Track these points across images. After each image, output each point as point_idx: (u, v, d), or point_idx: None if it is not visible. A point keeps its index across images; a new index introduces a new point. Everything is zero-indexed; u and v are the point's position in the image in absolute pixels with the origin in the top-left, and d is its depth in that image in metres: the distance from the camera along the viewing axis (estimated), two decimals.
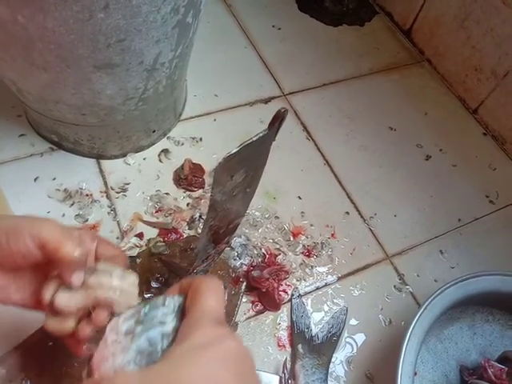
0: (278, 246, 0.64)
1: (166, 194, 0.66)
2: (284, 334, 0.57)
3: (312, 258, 0.64)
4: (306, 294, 0.61)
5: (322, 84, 0.86)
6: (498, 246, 0.69)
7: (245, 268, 0.60)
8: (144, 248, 0.60)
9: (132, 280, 0.35)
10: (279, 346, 0.56)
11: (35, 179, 0.65)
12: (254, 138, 0.33)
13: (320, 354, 0.55)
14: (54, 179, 0.65)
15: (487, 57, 0.81)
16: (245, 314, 0.58)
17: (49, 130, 0.66)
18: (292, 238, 0.65)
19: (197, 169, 0.68)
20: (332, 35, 0.95)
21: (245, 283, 0.58)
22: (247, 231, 0.64)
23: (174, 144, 0.72)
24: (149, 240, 0.60)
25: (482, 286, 0.53)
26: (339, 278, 0.63)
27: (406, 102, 0.86)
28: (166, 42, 0.53)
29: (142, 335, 0.28)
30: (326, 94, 0.84)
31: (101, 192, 0.65)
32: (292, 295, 0.60)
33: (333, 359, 0.56)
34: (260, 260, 0.61)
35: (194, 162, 0.69)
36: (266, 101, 0.81)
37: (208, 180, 0.68)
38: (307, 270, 0.63)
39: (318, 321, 0.58)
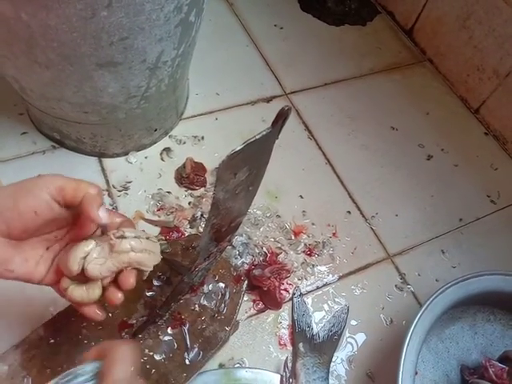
0: (279, 245, 0.64)
1: (168, 192, 0.66)
2: (285, 333, 0.57)
3: (313, 257, 0.64)
4: (308, 292, 0.61)
5: (323, 83, 0.86)
6: (499, 246, 0.70)
7: (246, 267, 0.60)
8: None
9: (156, 241, 0.38)
10: (280, 344, 0.56)
11: None
12: (258, 136, 0.33)
13: (321, 353, 0.55)
14: None
15: (489, 57, 0.81)
16: (246, 312, 0.58)
17: (51, 128, 0.66)
18: (293, 237, 0.65)
19: (198, 167, 0.68)
20: (334, 35, 0.95)
21: (246, 282, 0.58)
22: (249, 230, 0.64)
23: (175, 143, 0.72)
24: None
25: (484, 286, 0.53)
26: (340, 277, 0.63)
27: (407, 102, 0.86)
28: (168, 40, 0.53)
29: None
30: (327, 94, 0.84)
31: (102, 190, 0.65)
32: (293, 294, 0.60)
33: (334, 358, 0.56)
34: (261, 259, 0.61)
35: (195, 160, 0.69)
36: (268, 100, 0.81)
37: (210, 179, 0.68)
38: (308, 268, 0.63)
39: (319, 320, 0.59)
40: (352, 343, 0.58)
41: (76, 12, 0.44)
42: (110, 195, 0.65)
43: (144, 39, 0.50)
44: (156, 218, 0.63)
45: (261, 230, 0.65)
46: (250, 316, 0.58)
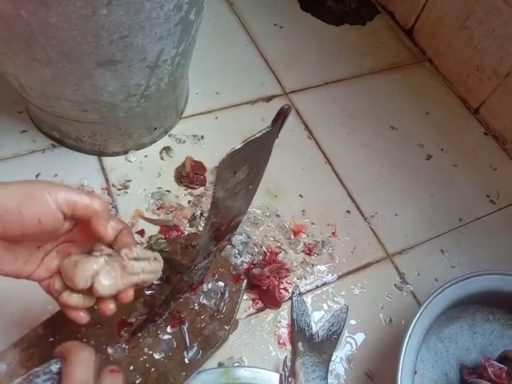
0: (278, 244, 0.64)
1: (168, 191, 0.66)
2: (284, 332, 0.57)
3: (313, 257, 0.64)
4: (307, 292, 0.61)
5: (323, 83, 0.86)
6: (498, 246, 0.70)
7: (246, 266, 0.60)
8: (145, 245, 0.60)
9: (161, 260, 0.39)
10: (279, 343, 0.56)
11: (37, 176, 0.65)
12: (258, 135, 0.33)
13: (320, 352, 0.55)
14: (56, 176, 0.65)
15: (489, 57, 0.81)
16: (245, 311, 0.58)
17: (50, 126, 0.66)
18: (293, 236, 0.65)
19: (198, 166, 0.68)
20: (334, 34, 0.95)
21: (245, 281, 0.58)
22: (248, 229, 0.64)
23: (175, 141, 0.72)
24: (150, 237, 0.60)
25: (483, 286, 0.53)
26: (340, 277, 0.63)
27: (407, 102, 0.86)
28: (168, 38, 0.53)
29: None
30: (327, 93, 0.84)
31: (102, 189, 0.65)
32: (292, 293, 0.60)
33: (333, 357, 0.56)
34: (261, 258, 0.61)
35: (195, 159, 0.69)
36: (268, 99, 0.81)
37: (209, 178, 0.68)
38: (308, 268, 0.63)
39: (318, 319, 0.59)
40: (351, 342, 0.58)
41: (76, 10, 0.43)
42: (109, 194, 0.65)
43: (144, 37, 0.50)
44: (155, 217, 0.63)
45: (260, 229, 0.65)
46: (250, 315, 0.58)
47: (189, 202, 0.65)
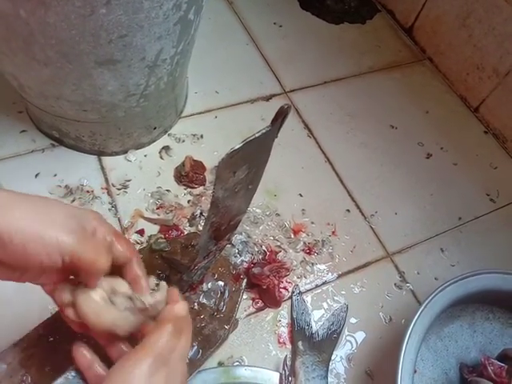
0: (278, 244, 0.64)
1: (167, 190, 0.66)
2: (284, 331, 0.57)
3: (313, 256, 0.64)
4: (307, 291, 0.61)
5: (323, 82, 0.86)
6: (498, 245, 0.70)
7: (245, 265, 0.60)
8: (145, 245, 0.60)
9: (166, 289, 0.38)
10: (279, 342, 0.56)
11: (36, 175, 0.65)
12: (257, 134, 0.33)
13: (320, 351, 0.55)
14: (55, 175, 0.65)
15: (489, 55, 0.81)
16: (245, 310, 0.58)
17: (50, 126, 0.66)
18: (293, 236, 0.65)
19: (198, 166, 0.68)
20: (333, 33, 0.95)
21: (245, 280, 0.58)
22: (248, 228, 0.64)
23: (174, 141, 0.72)
24: (150, 237, 0.60)
25: (483, 284, 0.53)
26: (340, 276, 0.63)
27: (407, 100, 0.86)
28: (167, 38, 0.53)
29: None
30: (327, 92, 0.84)
31: (102, 188, 0.65)
32: (292, 292, 0.60)
33: (333, 356, 0.56)
34: (261, 257, 0.61)
35: (194, 159, 0.69)
36: (267, 98, 0.81)
37: (209, 177, 0.68)
38: (308, 267, 0.63)
39: (318, 318, 0.59)
40: (351, 341, 0.58)
41: (75, 9, 0.43)
42: (109, 193, 0.65)
43: (143, 37, 0.50)
44: (155, 217, 0.63)
45: (260, 228, 0.65)
46: (250, 314, 0.58)
47: (188, 201, 0.65)
